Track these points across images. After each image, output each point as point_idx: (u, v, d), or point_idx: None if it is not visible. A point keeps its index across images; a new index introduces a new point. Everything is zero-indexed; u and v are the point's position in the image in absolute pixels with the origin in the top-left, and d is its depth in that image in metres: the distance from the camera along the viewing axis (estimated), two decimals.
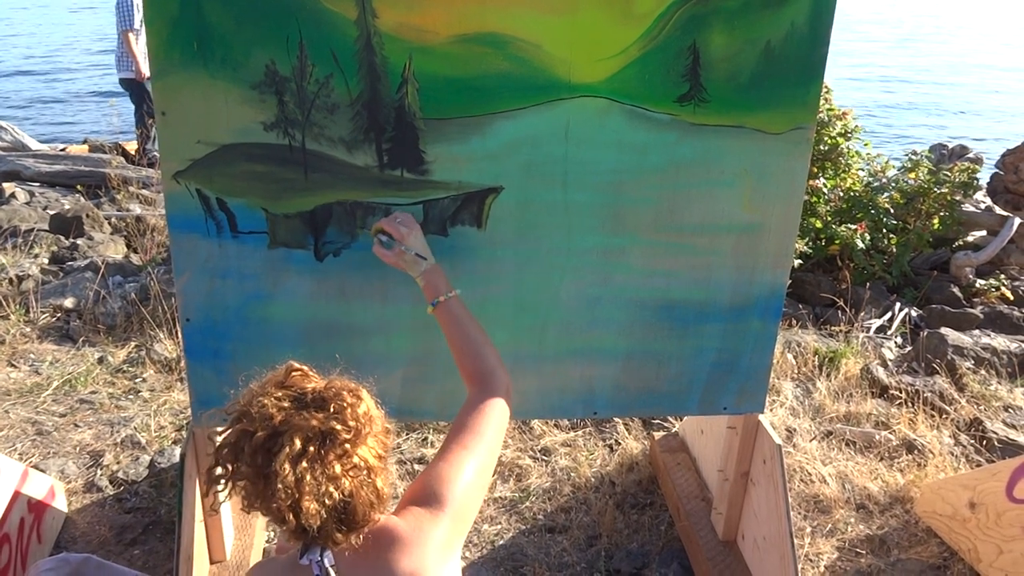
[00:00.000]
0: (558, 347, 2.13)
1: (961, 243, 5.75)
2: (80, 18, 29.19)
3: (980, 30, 32.75)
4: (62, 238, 5.27)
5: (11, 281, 4.45)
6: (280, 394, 1.22)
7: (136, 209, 6.05)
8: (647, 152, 1.94)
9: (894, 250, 5.21)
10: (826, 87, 5.15)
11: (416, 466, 3.09)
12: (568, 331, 2.12)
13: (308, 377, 1.28)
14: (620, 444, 3.24)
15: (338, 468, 1.17)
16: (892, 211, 5.25)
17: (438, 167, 1.90)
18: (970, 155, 6.78)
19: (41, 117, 13.35)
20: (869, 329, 4.50)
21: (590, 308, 2.10)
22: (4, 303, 4.08)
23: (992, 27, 34.12)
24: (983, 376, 3.85)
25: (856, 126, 5.32)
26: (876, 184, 5.37)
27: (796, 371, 3.86)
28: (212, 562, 2.40)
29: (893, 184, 5.40)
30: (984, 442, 3.33)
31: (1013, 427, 3.43)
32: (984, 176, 6.19)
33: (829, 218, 5.06)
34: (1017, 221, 5.55)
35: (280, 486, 1.13)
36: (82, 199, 6.28)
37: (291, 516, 1.15)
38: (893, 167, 5.66)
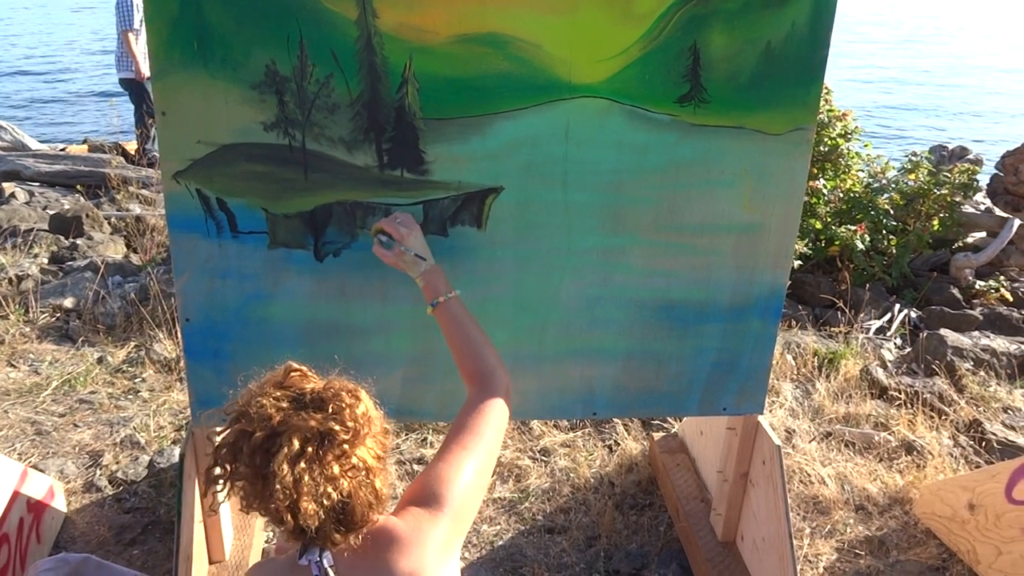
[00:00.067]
0: (558, 347, 2.13)
1: (961, 244, 5.75)
2: (80, 18, 29.20)
3: (980, 32, 32.77)
4: (62, 238, 5.27)
5: (11, 281, 4.44)
6: (279, 394, 1.22)
7: (136, 209, 6.05)
8: (647, 152, 1.94)
9: (894, 251, 5.21)
10: (826, 88, 5.15)
11: (415, 466, 3.09)
12: (568, 331, 2.12)
13: (307, 377, 1.28)
14: (619, 445, 3.24)
15: (336, 469, 1.17)
16: (892, 212, 5.25)
17: (438, 167, 1.90)
18: (970, 156, 6.78)
19: (41, 117, 13.35)
20: (869, 330, 4.50)
21: (590, 308, 2.10)
22: (4, 303, 4.08)
23: (992, 28, 34.14)
24: (982, 377, 3.85)
25: (856, 127, 5.32)
26: (876, 185, 5.37)
27: (795, 372, 3.85)
28: (211, 562, 2.40)
29: (893, 185, 5.40)
30: (983, 443, 3.33)
31: (1012, 428, 3.43)
32: (984, 177, 6.20)
33: (829, 219, 5.06)
34: (1017, 223, 5.55)
35: (278, 486, 1.13)
36: (82, 199, 6.28)
37: (289, 516, 1.15)
38: (893, 168, 5.66)
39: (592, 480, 3.05)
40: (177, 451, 3.06)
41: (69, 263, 4.81)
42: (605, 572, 2.62)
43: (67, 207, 5.80)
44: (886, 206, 5.23)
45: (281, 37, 1.76)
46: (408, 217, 1.81)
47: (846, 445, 3.31)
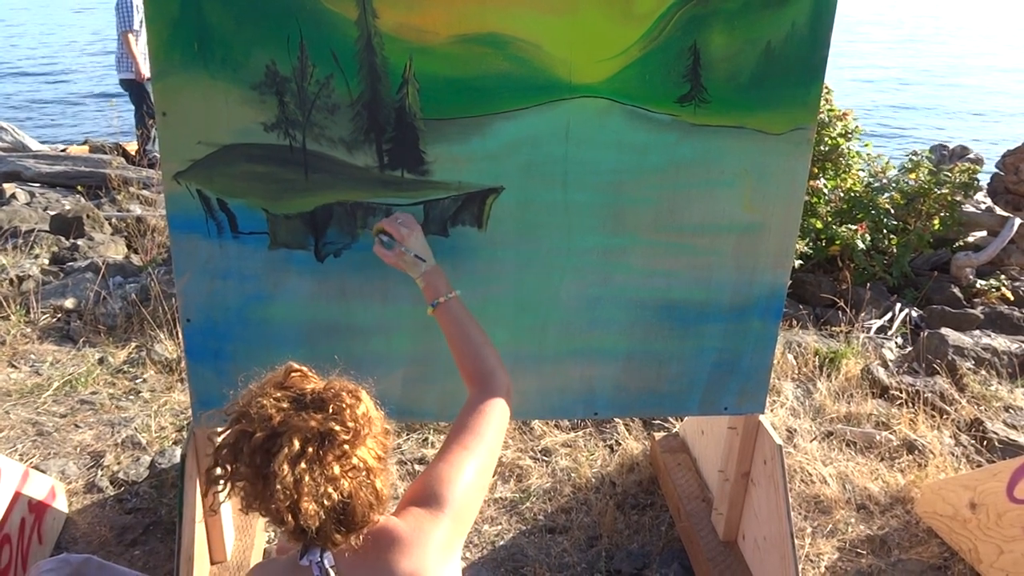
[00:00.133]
0: (558, 347, 2.13)
1: (961, 244, 5.75)
2: (81, 19, 29.21)
3: (980, 31, 32.75)
4: (62, 239, 5.28)
5: (11, 282, 4.45)
6: (279, 395, 1.22)
7: (136, 210, 6.05)
8: (647, 152, 1.94)
9: (894, 251, 5.21)
10: (827, 88, 5.15)
11: (416, 467, 3.09)
12: (568, 331, 2.12)
13: (307, 378, 1.28)
14: (620, 445, 3.24)
15: (337, 469, 1.17)
16: (892, 212, 5.25)
17: (438, 167, 1.90)
18: (970, 156, 6.78)
19: (42, 118, 13.36)
20: (869, 329, 4.50)
21: (590, 308, 2.10)
22: (4, 304, 4.08)
23: (993, 28, 34.12)
24: (983, 376, 3.85)
25: (856, 127, 5.32)
26: (876, 185, 5.38)
27: (796, 371, 3.85)
28: (212, 563, 2.40)
29: (893, 185, 5.40)
30: (984, 442, 3.32)
31: (1013, 427, 3.43)
32: (984, 177, 6.20)
33: (829, 219, 5.06)
34: (1017, 222, 5.55)
35: (279, 487, 1.13)
36: (82, 200, 6.28)
37: (290, 517, 1.15)
38: (893, 168, 5.66)
39: (593, 480, 3.05)
40: (178, 452, 3.06)
41: (70, 264, 4.81)
42: (606, 572, 2.62)
43: (68, 208, 5.80)
44: (887, 205, 5.23)
45: (281, 38, 1.76)
46: (409, 217, 1.81)
47: (847, 444, 3.31)
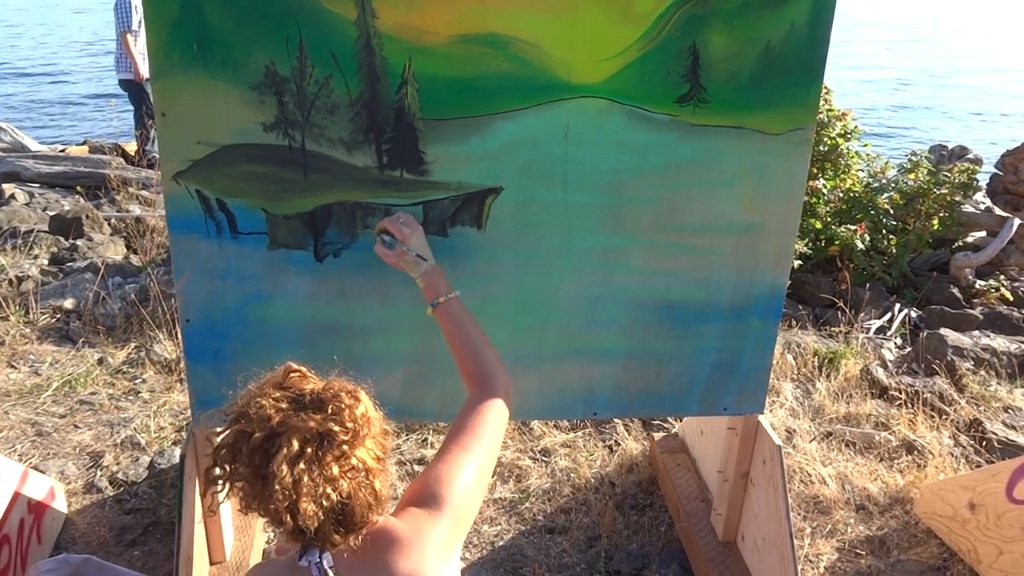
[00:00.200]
0: (558, 347, 2.13)
1: (961, 244, 5.75)
2: (80, 19, 29.21)
3: (980, 32, 32.77)
4: (62, 239, 5.28)
5: (11, 282, 4.45)
6: (278, 395, 1.22)
7: (136, 210, 6.05)
8: (647, 152, 1.94)
9: (894, 251, 5.21)
10: (826, 88, 5.15)
11: (416, 467, 3.09)
12: (568, 331, 2.12)
13: (306, 378, 1.28)
14: (620, 445, 3.24)
15: (336, 469, 1.17)
16: (892, 212, 5.25)
17: (438, 168, 1.90)
18: (970, 156, 6.78)
19: (41, 118, 13.35)
20: (869, 330, 4.50)
21: (590, 308, 2.10)
22: (4, 304, 4.08)
23: (992, 29, 34.14)
24: (983, 377, 3.85)
25: (856, 127, 5.32)
26: (876, 185, 5.38)
27: (796, 372, 3.85)
28: (212, 563, 2.40)
29: (893, 185, 5.40)
30: (984, 443, 3.33)
31: (1013, 428, 3.43)
32: (984, 177, 6.20)
33: (829, 219, 5.06)
34: (1017, 222, 5.55)
35: (277, 487, 1.13)
36: (82, 200, 6.28)
37: (288, 517, 1.15)
38: (893, 168, 5.67)
39: (593, 480, 3.05)
40: (177, 452, 3.06)
41: (69, 264, 4.81)
42: (606, 572, 2.62)
43: (67, 208, 5.80)
44: (886, 206, 5.23)
45: (281, 38, 1.76)
46: (410, 217, 1.81)
47: (847, 445, 3.31)
